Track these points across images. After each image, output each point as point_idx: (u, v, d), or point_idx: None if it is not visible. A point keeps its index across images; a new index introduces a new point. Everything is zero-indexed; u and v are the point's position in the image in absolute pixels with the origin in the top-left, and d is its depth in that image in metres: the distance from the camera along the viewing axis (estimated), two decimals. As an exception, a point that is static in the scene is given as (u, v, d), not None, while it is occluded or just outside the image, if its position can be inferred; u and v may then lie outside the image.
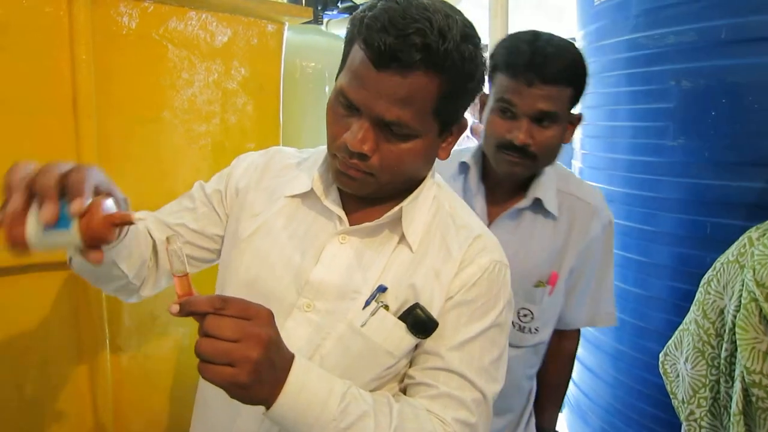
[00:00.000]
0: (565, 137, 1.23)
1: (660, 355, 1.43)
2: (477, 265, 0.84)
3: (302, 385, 0.67)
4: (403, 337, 0.82)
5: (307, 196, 0.89)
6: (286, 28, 1.46)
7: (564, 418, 2.16)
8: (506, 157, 1.19)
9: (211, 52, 1.36)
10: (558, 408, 1.50)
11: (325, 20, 2.12)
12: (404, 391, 0.86)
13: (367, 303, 0.82)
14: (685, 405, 1.32)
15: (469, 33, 0.73)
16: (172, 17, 1.29)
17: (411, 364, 0.86)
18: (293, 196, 0.89)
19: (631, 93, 1.66)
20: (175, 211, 0.98)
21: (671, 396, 1.41)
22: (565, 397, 2.13)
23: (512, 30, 1.63)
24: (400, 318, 0.82)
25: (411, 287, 0.83)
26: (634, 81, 1.64)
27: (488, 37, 1.57)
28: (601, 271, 1.34)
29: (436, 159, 0.86)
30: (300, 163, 0.95)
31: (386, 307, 0.82)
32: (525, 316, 1.29)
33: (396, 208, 0.84)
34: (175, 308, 0.62)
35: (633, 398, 1.68)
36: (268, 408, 0.66)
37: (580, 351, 1.97)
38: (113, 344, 1.30)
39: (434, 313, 0.82)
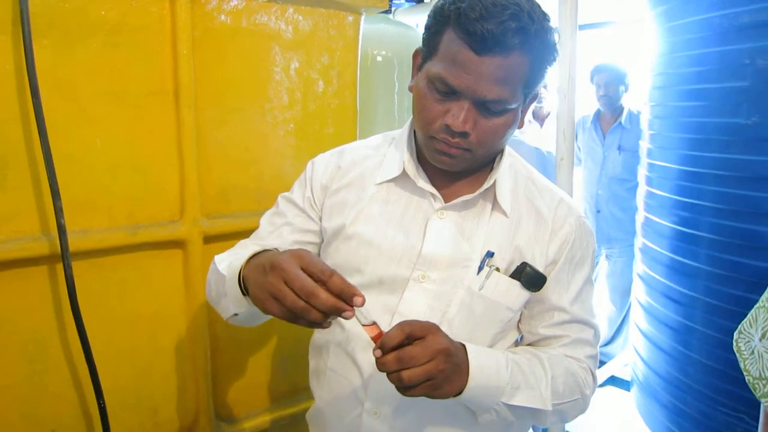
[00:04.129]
0: None
1: (734, 333, 1.44)
2: (569, 225, 0.96)
3: (479, 366, 0.82)
4: (519, 293, 0.94)
5: (398, 179, 0.97)
6: (363, 17, 1.53)
7: (633, 396, 2.17)
8: None
9: (295, 43, 1.45)
10: None
11: (393, 9, 2.18)
12: (530, 344, 1.01)
13: (480, 268, 0.92)
14: (764, 381, 1.33)
15: (543, 10, 0.82)
16: (260, 11, 1.38)
17: (532, 321, 0.98)
18: (384, 182, 0.97)
19: (703, 72, 1.65)
20: (271, 231, 1.05)
21: (744, 373, 1.42)
22: (633, 374, 2.15)
23: (582, 14, 1.65)
24: (512, 277, 0.93)
25: (516, 249, 0.93)
26: (707, 60, 1.63)
27: (558, 21, 1.59)
28: None
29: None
30: (375, 152, 1.02)
31: (497, 270, 0.92)
32: None
33: (490, 181, 0.93)
34: (378, 352, 0.75)
35: (704, 374, 1.69)
36: (460, 394, 0.81)
37: (647, 328, 1.98)
38: (211, 318, 1.41)
39: (538, 268, 0.93)
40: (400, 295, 0.92)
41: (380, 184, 0.97)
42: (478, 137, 0.84)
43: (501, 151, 0.96)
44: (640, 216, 2.11)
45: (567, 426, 2.21)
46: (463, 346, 0.83)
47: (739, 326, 1.46)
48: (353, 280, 0.94)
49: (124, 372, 1.31)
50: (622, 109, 3.23)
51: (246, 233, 1.45)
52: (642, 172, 2.09)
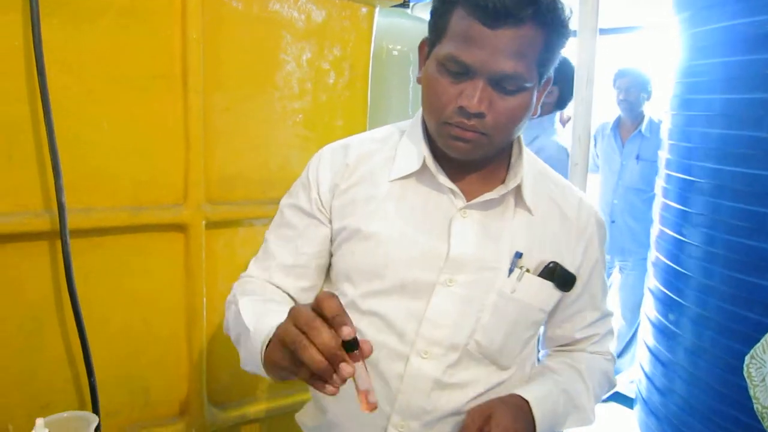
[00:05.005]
0: None
1: (746, 357, 1.39)
2: (591, 226, 0.96)
3: (543, 414, 0.85)
4: (551, 294, 0.92)
5: (415, 175, 0.90)
6: (377, 10, 1.51)
7: (635, 414, 2.12)
8: None
9: (307, 33, 1.43)
10: None
11: (411, 4, 2.16)
12: (561, 346, 1.04)
13: (511, 270, 0.88)
14: (772, 410, 1.28)
15: None
16: (273, -1, 1.37)
17: (565, 325, 1.01)
18: (398, 179, 0.90)
19: (726, 81, 1.60)
20: (284, 247, 0.96)
21: (753, 400, 1.37)
22: (637, 391, 2.10)
23: (609, 18, 1.60)
24: (542, 277, 0.90)
25: (543, 249, 0.91)
26: (730, 69, 1.58)
27: (578, 23, 1.55)
28: None
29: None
30: (383, 144, 0.95)
31: (528, 271, 0.89)
32: None
33: (517, 179, 0.88)
34: None
35: (711, 398, 1.63)
36: None
37: (654, 345, 1.93)
38: (209, 303, 1.41)
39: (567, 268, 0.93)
40: (427, 301, 0.87)
41: (394, 180, 0.90)
42: (495, 119, 0.79)
43: (517, 143, 0.92)
44: (655, 229, 2.06)
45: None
46: (527, 402, 0.85)
47: (752, 351, 1.40)
48: (373, 285, 0.89)
49: (117, 351, 1.32)
50: (642, 116, 3.15)
51: (249, 221, 1.46)
52: (659, 184, 2.04)
